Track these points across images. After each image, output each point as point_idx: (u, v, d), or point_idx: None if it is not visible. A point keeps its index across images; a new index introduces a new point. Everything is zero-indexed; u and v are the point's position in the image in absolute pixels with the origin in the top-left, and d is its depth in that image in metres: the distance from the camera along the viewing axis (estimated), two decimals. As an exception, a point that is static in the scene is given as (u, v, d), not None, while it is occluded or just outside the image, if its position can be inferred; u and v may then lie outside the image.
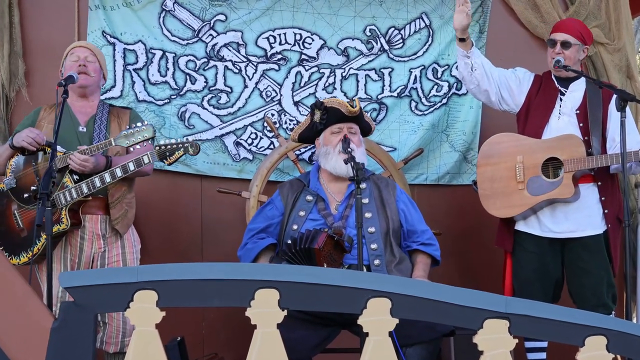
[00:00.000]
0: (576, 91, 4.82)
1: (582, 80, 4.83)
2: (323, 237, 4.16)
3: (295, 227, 4.39)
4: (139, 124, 4.33)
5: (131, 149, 4.37)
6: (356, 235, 3.97)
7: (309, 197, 4.47)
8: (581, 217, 4.69)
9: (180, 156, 4.33)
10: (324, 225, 4.34)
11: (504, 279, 4.92)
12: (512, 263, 4.87)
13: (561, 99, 4.81)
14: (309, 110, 4.57)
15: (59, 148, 4.33)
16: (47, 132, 4.50)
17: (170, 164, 4.39)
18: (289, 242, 4.27)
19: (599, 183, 4.71)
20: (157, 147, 4.30)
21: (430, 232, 4.54)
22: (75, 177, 4.41)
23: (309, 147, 5.45)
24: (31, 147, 4.45)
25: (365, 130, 4.65)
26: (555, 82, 4.87)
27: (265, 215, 4.53)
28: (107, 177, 4.36)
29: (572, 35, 4.82)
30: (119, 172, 4.36)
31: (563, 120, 4.76)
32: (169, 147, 4.31)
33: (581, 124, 4.72)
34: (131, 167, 4.34)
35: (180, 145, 4.32)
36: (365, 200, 4.41)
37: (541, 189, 4.66)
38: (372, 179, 4.57)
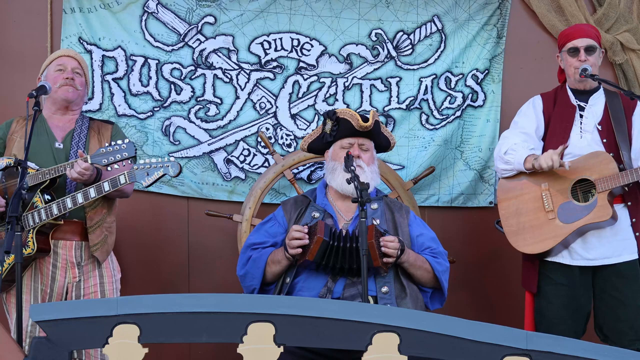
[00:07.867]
0: (596, 105, 4.81)
1: (602, 91, 4.82)
2: (371, 228, 4.18)
3: None
4: (119, 142, 4.35)
5: (109, 168, 4.38)
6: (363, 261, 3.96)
7: (316, 213, 4.47)
8: (616, 241, 4.68)
9: (160, 177, 4.34)
10: None
11: (525, 321, 4.87)
12: (535, 301, 4.81)
13: (581, 115, 4.79)
14: (322, 118, 4.59)
15: (32, 165, 4.37)
16: (20, 147, 4.54)
17: (147, 186, 4.41)
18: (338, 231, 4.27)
19: (629, 203, 4.69)
20: (135, 167, 4.32)
21: (441, 250, 4.55)
22: (47, 197, 4.44)
23: (307, 165, 5.48)
24: None
25: (383, 146, 4.69)
26: (572, 97, 4.85)
27: (267, 232, 4.52)
28: (80, 198, 4.39)
29: (593, 39, 4.83)
30: (92, 193, 4.39)
31: (586, 139, 4.74)
32: (146, 167, 4.33)
33: (604, 140, 4.72)
34: (106, 187, 4.37)
35: (160, 165, 4.34)
36: (377, 222, 4.44)
37: (574, 215, 4.63)
38: (384, 200, 4.59)
